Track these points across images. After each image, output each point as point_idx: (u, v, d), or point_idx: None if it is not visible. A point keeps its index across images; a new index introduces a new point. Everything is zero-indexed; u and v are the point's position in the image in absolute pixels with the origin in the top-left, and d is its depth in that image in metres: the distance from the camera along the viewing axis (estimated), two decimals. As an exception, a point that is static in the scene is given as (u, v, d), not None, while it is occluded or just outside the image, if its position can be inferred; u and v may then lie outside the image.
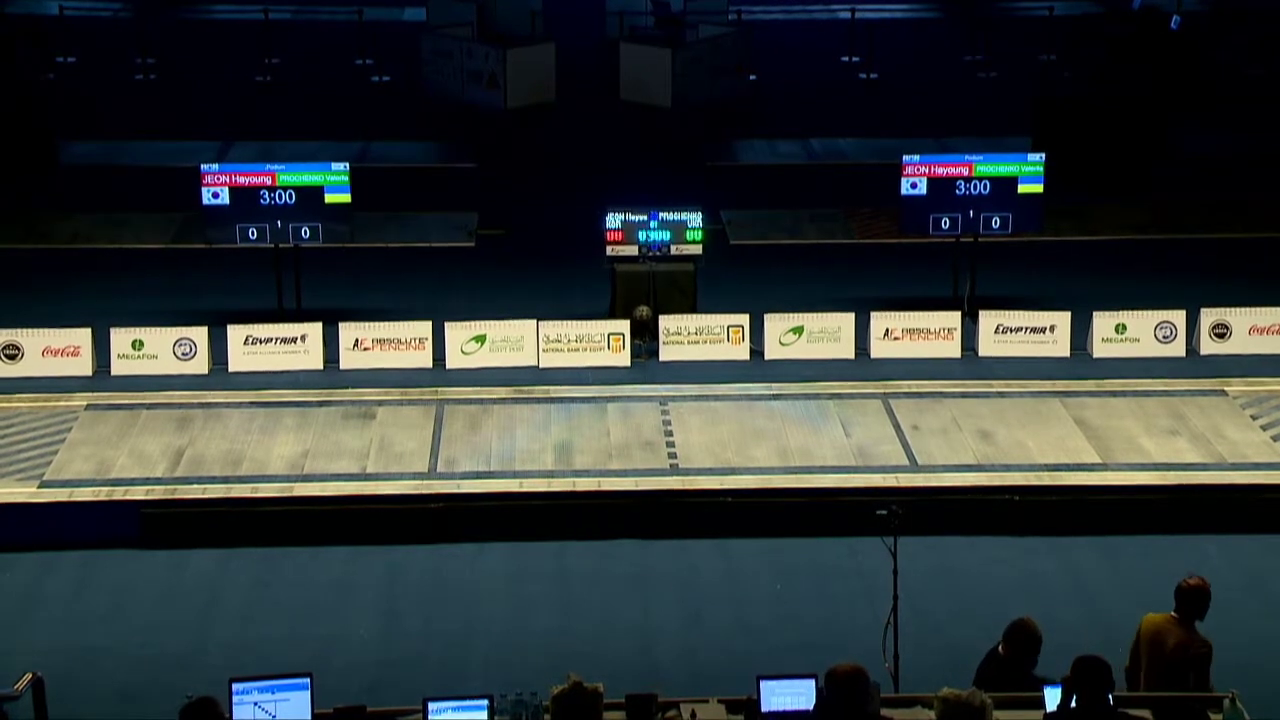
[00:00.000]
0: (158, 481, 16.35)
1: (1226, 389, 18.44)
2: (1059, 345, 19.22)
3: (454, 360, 18.91)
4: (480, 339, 18.95)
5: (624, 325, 19.05)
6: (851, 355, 19.16)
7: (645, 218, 19.59)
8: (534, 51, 29.27)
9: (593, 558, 15.62)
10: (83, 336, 18.71)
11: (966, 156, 19.86)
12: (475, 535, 15.88)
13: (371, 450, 17.03)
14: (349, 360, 18.89)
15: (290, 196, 19.34)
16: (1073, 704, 9.36)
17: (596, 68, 30.01)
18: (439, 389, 18.43)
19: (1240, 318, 19.27)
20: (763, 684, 10.14)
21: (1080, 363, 19.11)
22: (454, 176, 26.11)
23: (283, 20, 32.10)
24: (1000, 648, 10.77)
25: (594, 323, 19.13)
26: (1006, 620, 10.92)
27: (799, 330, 19.20)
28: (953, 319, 19.30)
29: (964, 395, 18.28)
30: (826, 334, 19.16)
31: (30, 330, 18.72)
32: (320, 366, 18.87)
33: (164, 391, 18.26)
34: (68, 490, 16.19)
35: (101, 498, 16.08)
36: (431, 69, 29.50)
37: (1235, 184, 25.05)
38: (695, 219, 19.68)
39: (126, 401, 18.05)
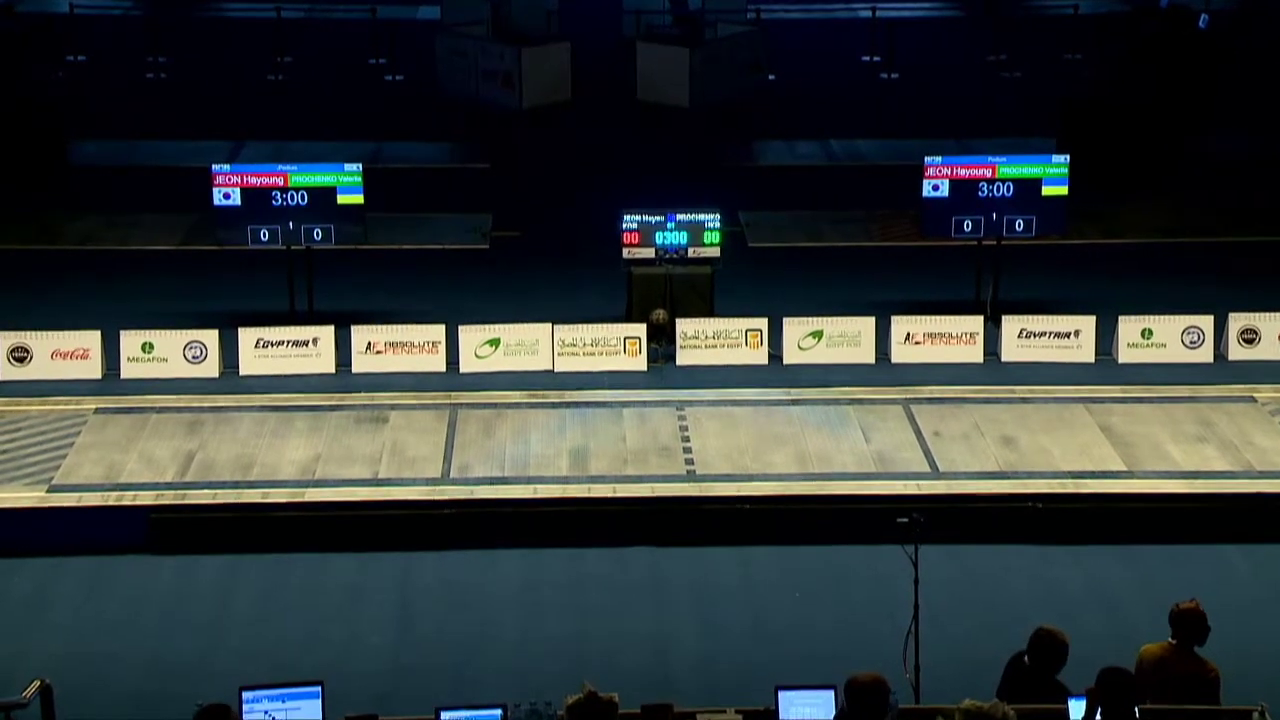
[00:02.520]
0: (167, 486, 16.38)
1: (1255, 395, 18.38)
2: (1084, 350, 19.17)
3: (468, 364, 18.92)
4: (494, 342, 18.96)
5: (640, 329, 19.05)
6: (872, 360, 19.13)
7: (662, 219, 19.59)
8: (550, 51, 29.28)
9: (608, 565, 15.61)
10: (92, 339, 18.75)
11: (989, 158, 19.83)
12: (488, 542, 15.88)
13: (384, 455, 17.04)
14: (361, 364, 18.91)
15: (302, 197, 19.36)
16: (1097, 716, 9.33)
17: (613, 67, 30.01)
18: (452, 393, 18.44)
19: (1270, 323, 19.20)
20: (781, 694, 10.13)
21: (1105, 368, 19.06)
22: (468, 177, 26.13)
23: (295, 19, 32.16)
24: (1025, 656, 10.73)
25: (610, 326, 19.13)
26: (1029, 630, 10.88)
27: (818, 334, 19.17)
28: (975, 323, 19.26)
29: (986, 401, 18.24)
30: (846, 338, 19.14)
31: (39, 333, 18.76)
32: (332, 370, 18.89)
33: (174, 395, 18.30)
34: (76, 495, 16.23)
35: (110, 502, 16.12)
36: (446, 68, 29.53)
37: (1265, 186, 24.93)
38: (713, 221, 19.67)
39: (136, 405, 18.09)
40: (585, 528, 16.01)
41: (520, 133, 27.96)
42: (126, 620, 14.71)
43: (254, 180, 19.41)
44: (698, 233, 19.60)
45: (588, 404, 18.17)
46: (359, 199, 19.51)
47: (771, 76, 30.04)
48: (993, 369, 19.04)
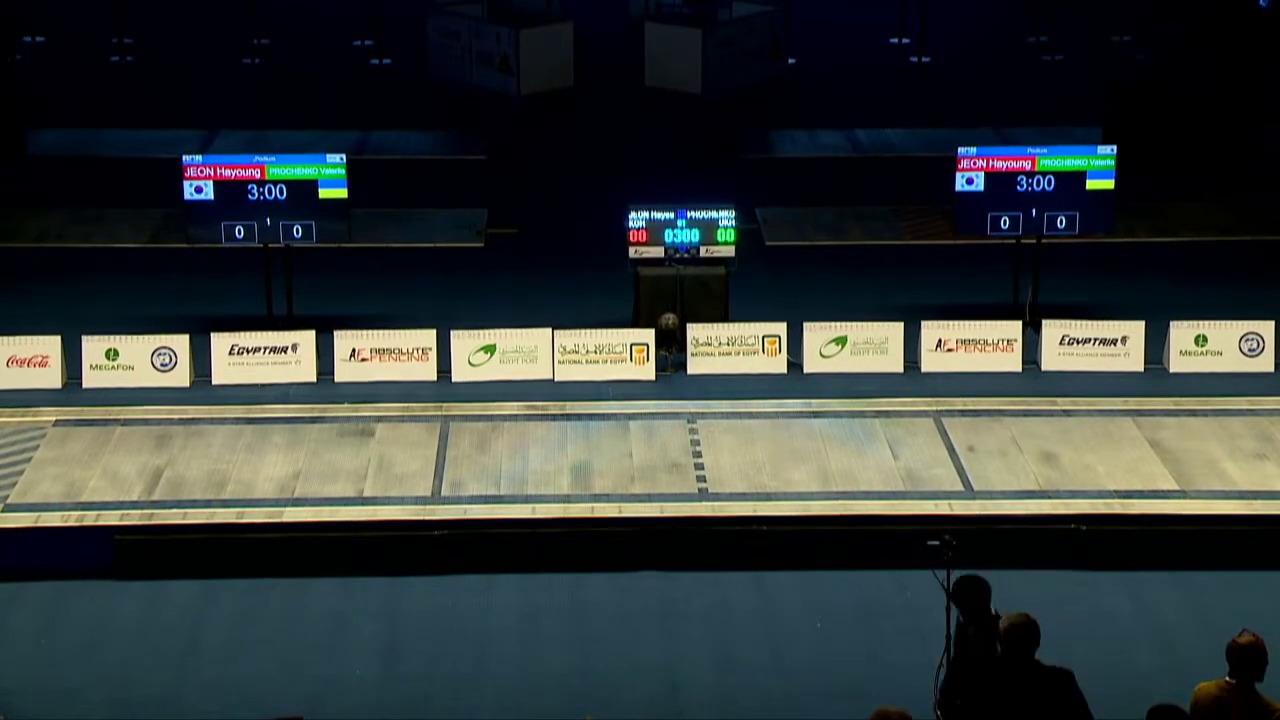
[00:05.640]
0: (133, 505, 16.45)
1: (1319, 408, 18.46)
2: (1131, 359, 19.23)
3: (460, 372, 19.00)
4: (490, 349, 19.04)
5: (648, 335, 19.12)
6: (900, 369, 19.20)
7: (672, 216, 19.66)
8: (550, 32, 29.40)
9: (613, 591, 15.66)
10: (52, 345, 18.83)
11: (1029, 149, 19.89)
12: (483, 566, 15.94)
13: (369, 471, 17.12)
14: (345, 372, 18.99)
15: (281, 191, 19.46)
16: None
17: (619, 50, 30.13)
18: (444, 404, 18.52)
19: (1334, 329, 19.28)
20: (800, 731, 10.19)
21: (1155, 378, 19.11)
22: (462, 169, 26.23)
23: (273, -4, 32.32)
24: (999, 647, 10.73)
25: (615, 332, 19.20)
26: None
27: (842, 341, 19.24)
28: (1013, 329, 19.32)
29: (1025, 414, 18.29)
30: (872, 345, 19.20)
31: (-6, 338, 18.89)
32: (313, 379, 18.97)
33: (141, 406, 18.36)
34: (34, 515, 16.30)
35: (72, 523, 16.18)
36: (438, 51, 29.65)
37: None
38: (727, 217, 19.75)
39: (99, 417, 18.16)
40: (588, 551, 16.06)
41: (518, 121, 28.05)
42: (89, 651, 14.77)
43: (228, 172, 19.51)
44: (711, 230, 19.68)
45: (591, 416, 18.23)
46: (342, 193, 19.60)
47: (792, 60, 30.14)
48: (1032, 379, 19.10)
